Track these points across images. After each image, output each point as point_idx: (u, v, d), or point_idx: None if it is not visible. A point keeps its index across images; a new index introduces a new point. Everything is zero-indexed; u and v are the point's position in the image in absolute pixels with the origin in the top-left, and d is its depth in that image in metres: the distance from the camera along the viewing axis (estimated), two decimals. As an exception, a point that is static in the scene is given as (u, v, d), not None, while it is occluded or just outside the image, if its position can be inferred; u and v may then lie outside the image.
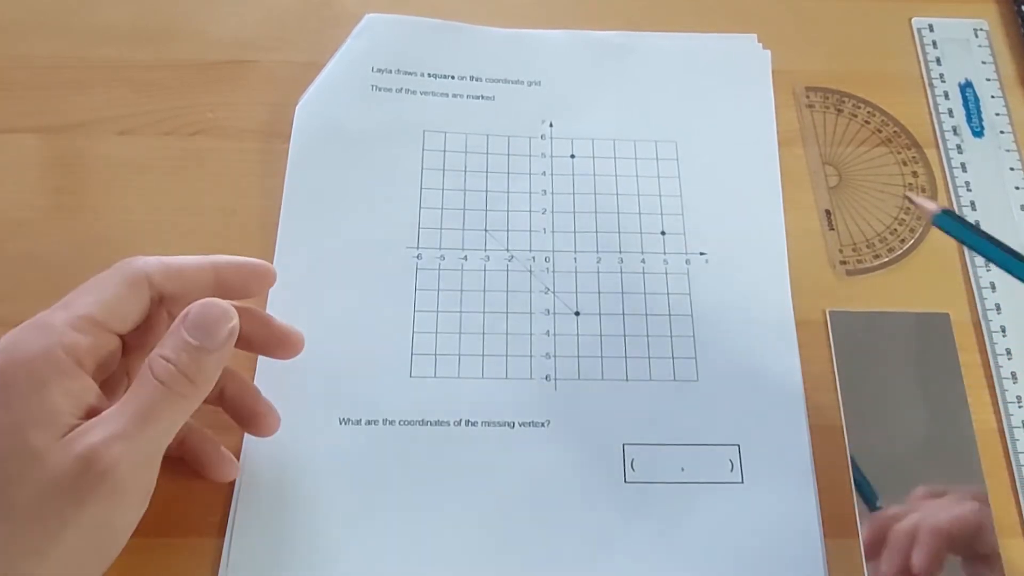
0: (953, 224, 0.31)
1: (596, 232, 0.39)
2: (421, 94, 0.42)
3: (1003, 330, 0.38)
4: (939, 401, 0.36)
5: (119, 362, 0.30)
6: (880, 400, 0.36)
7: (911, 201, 0.33)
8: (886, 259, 0.39)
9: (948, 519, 0.34)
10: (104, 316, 0.28)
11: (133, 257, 0.30)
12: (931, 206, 0.31)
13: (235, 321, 0.28)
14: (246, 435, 0.33)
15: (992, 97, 0.44)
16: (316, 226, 0.38)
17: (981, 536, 0.34)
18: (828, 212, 0.40)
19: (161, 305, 0.31)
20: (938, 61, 0.45)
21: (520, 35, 0.44)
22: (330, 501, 0.33)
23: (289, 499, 0.33)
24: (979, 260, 0.39)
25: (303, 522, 0.32)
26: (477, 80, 0.42)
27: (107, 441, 0.26)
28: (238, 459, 0.33)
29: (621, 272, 0.38)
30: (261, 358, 0.35)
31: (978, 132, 0.43)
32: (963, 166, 0.42)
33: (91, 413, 0.27)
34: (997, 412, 0.36)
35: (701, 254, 0.39)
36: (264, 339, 0.32)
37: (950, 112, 0.43)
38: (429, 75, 0.42)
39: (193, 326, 0.28)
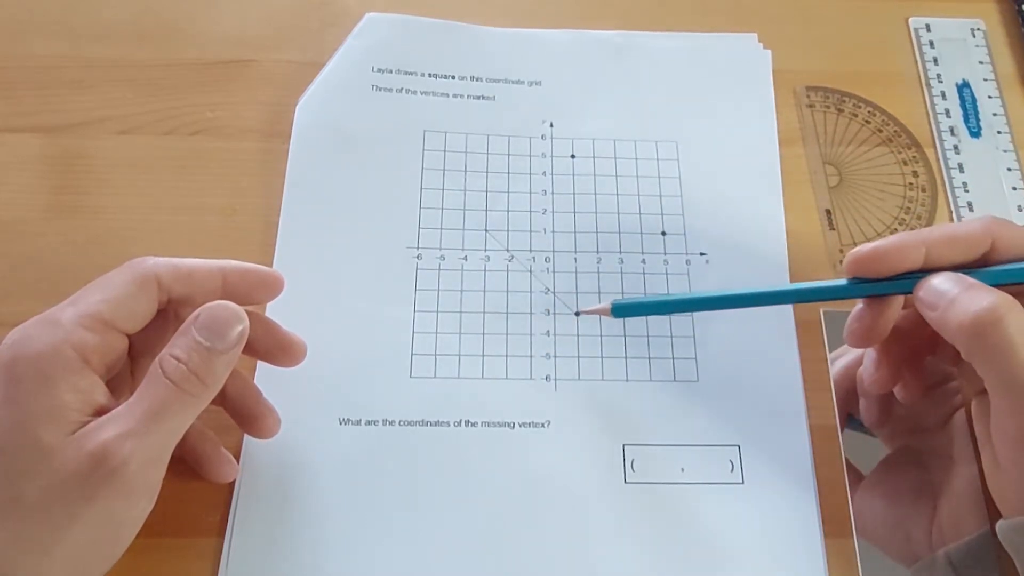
0: (629, 307, 0.34)
1: (596, 232, 0.39)
2: (421, 94, 0.42)
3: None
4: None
5: (125, 363, 0.30)
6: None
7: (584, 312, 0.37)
8: (886, 259, 0.39)
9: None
10: (112, 315, 0.28)
11: (143, 257, 0.30)
12: (603, 306, 0.34)
13: (245, 323, 0.29)
14: (246, 435, 0.33)
15: (989, 97, 0.44)
16: (316, 226, 0.38)
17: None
18: (828, 212, 0.40)
19: (168, 307, 0.31)
20: (935, 61, 0.45)
21: (521, 35, 0.44)
22: (330, 501, 0.33)
23: (289, 499, 0.33)
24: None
25: (303, 522, 0.32)
26: (477, 80, 0.42)
27: (118, 438, 0.26)
28: (238, 459, 0.33)
29: (621, 272, 0.38)
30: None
31: (975, 132, 0.43)
32: (960, 166, 0.42)
33: (99, 411, 0.27)
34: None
35: (701, 254, 0.39)
36: (268, 346, 0.33)
37: (947, 112, 0.43)
38: (429, 75, 0.42)
39: (204, 327, 0.28)
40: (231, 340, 0.28)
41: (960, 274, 0.30)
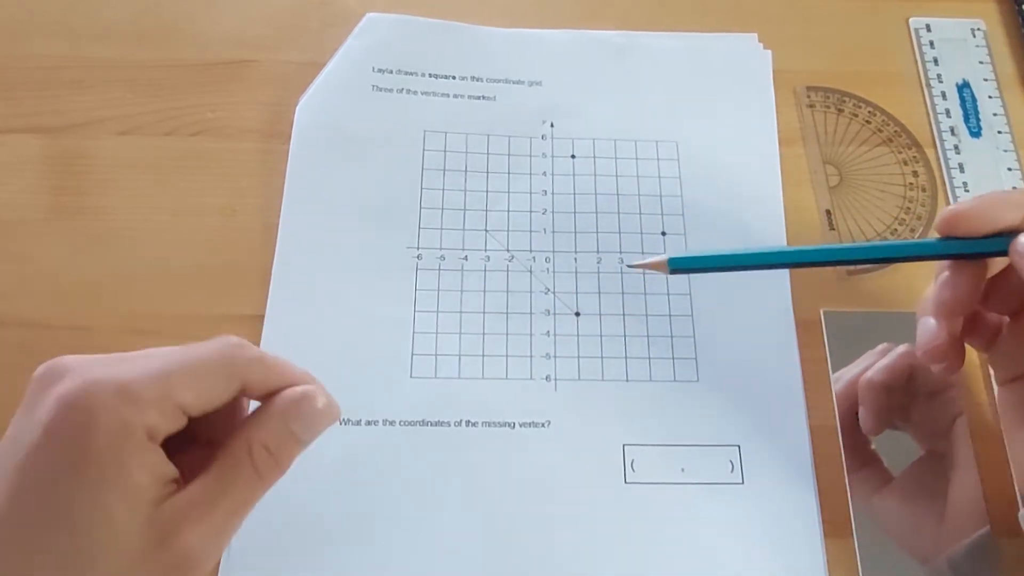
0: (685, 261, 0.32)
1: (597, 232, 0.39)
2: (422, 94, 0.42)
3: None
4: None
5: None
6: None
7: (636, 266, 0.33)
8: (886, 259, 0.39)
9: (875, 371, 0.35)
10: (192, 405, 0.26)
11: (240, 343, 0.27)
12: (659, 259, 0.31)
13: (337, 418, 0.28)
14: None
15: (990, 97, 0.44)
16: (316, 226, 0.38)
17: (918, 377, 0.35)
18: (828, 212, 0.40)
19: None
20: (935, 61, 0.45)
21: (521, 35, 0.44)
22: (330, 501, 0.33)
23: (289, 500, 0.33)
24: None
25: (303, 522, 0.33)
26: (478, 80, 0.42)
27: (202, 539, 0.25)
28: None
29: (621, 272, 0.38)
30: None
31: (976, 132, 0.43)
32: (961, 166, 0.42)
33: (165, 481, 0.26)
34: (995, 409, 0.36)
35: (701, 254, 0.39)
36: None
37: (947, 112, 0.43)
38: (430, 75, 0.42)
39: (300, 418, 0.27)
40: (318, 432, 0.27)
41: None
